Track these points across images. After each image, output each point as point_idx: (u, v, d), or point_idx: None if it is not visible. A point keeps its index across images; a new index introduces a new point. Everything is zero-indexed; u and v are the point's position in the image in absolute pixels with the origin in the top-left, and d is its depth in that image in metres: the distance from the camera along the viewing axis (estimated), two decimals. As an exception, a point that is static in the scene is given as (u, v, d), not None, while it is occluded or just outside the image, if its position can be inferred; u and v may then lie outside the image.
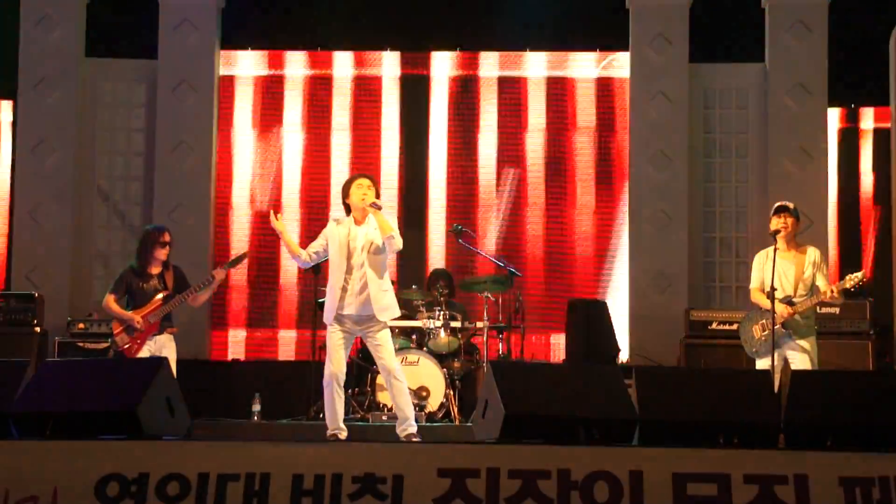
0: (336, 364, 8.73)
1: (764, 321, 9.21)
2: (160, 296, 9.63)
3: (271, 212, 8.87)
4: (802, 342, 9.14)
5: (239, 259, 9.97)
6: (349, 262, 8.67)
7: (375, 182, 8.87)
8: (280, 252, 13.51)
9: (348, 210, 8.83)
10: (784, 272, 9.19)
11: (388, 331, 8.86)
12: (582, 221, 13.66)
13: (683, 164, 13.33)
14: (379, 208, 8.64)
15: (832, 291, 9.01)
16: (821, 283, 9.16)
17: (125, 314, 9.60)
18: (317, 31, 13.83)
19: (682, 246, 13.25)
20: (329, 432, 8.77)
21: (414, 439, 8.68)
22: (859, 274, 9.02)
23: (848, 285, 9.03)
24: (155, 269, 9.74)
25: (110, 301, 9.69)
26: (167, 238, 9.77)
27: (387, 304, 8.75)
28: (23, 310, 12.10)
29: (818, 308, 9.36)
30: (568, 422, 7.46)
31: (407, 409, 8.79)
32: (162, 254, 9.73)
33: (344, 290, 8.66)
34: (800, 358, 9.09)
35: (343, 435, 8.74)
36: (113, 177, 13.81)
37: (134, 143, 13.83)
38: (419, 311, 11.45)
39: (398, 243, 8.63)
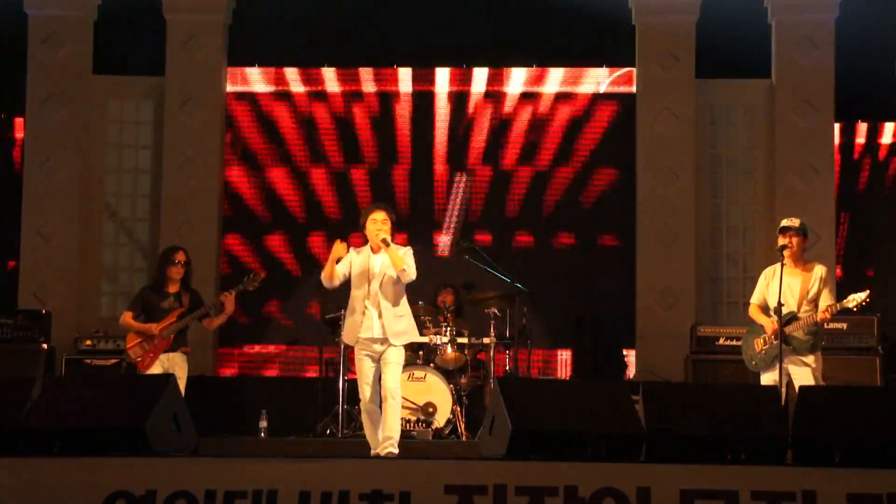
0: (368, 393, 8.90)
1: (766, 335, 9.22)
2: (175, 313, 9.73)
3: (338, 242, 8.95)
4: (804, 357, 9.11)
5: (251, 281, 10.00)
6: (367, 288, 8.92)
7: (390, 213, 9.05)
8: (288, 270, 13.57)
9: (366, 238, 9.03)
10: (789, 288, 9.20)
11: (401, 352, 9.01)
12: (588, 237, 13.65)
13: (690, 180, 13.33)
14: (388, 245, 8.87)
15: (828, 311, 9.01)
16: (825, 300, 9.14)
17: (142, 326, 9.75)
18: (324, 49, 13.85)
19: (688, 262, 13.24)
20: (372, 454, 8.86)
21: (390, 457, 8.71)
22: (862, 295, 8.99)
23: (850, 305, 9.01)
24: (172, 288, 9.86)
25: (127, 317, 9.90)
26: (179, 258, 9.94)
27: (401, 330, 8.94)
28: (30, 326, 12.12)
29: (825, 324, 9.32)
30: (575, 438, 7.46)
31: (395, 430, 8.85)
32: (175, 272, 9.89)
33: (363, 314, 8.89)
34: (801, 372, 9.07)
35: (384, 452, 8.76)
36: (120, 193, 13.84)
37: (141, 159, 13.85)
38: (426, 327, 11.45)
39: (410, 275, 8.87)
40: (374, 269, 8.91)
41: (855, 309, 9.08)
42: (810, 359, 9.12)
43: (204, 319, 9.89)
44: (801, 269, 9.28)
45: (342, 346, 11.16)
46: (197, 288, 10.19)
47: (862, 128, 13.73)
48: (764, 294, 9.36)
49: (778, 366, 9.00)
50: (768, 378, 9.14)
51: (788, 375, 9.10)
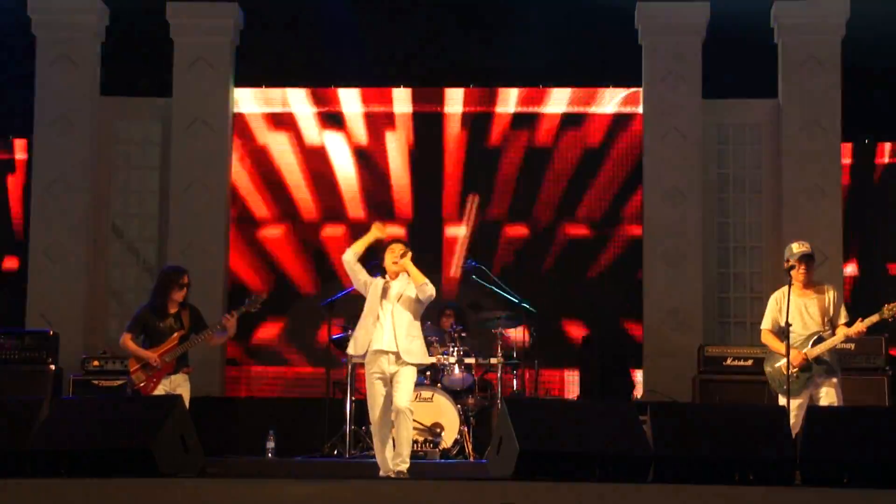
0: (379, 416, 8.96)
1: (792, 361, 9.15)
2: (176, 335, 9.67)
3: (377, 224, 9.28)
4: (833, 378, 9.07)
5: (253, 302, 9.98)
6: (382, 308, 9.07)
7: (408, 247, 9.26)
8: (295, 291, 13.59)
9: (383, 271, 9.24)
10: (806, 309, 9.18)
11: (413, 373, 9.05)
12: (596, 257, 13.64)
13: (697, 201, 13.31)
14: (408, 255, 9.12)
15: (864, 325, 8.98)
16: (843, 318, 9.13)
17: (142, 352, 9.65)
18: (330, 69, 13.89)
19: (696, 282, 13.21)
20: (381, 474, 8.89)
21: (402, 476, 8.68)
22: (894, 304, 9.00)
23: (886, 315, 8.98)
24: (172, 309, 9.80)
25: (127, 340, 9.76)
26: (186, 280, 9.87)
27: (413, 349, 9.03)
28: (37, 347, 12.11)
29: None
30: (582, 458, 7.46)
31: (406, 445, 8.88)
32: (179, 295, 9.81)
33: (375, 326, 9.03)
34: (831, 395, 9.01)
35: (395, 468, 8.80)
36: (128, 214, 13.86)
37: (149, 180, 13.87)
38: (433, 346, 11.44)
39: (430, 290, 9.07)
40: (390, 292, 9.09)
41: (891, 319, 9.06)
42: (836, 381, 9.10)
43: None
44: (812, 290, 9.27)
45: (350, 367, 11.17)
46: (203, 309, 10.08)
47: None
48: (776, 318, 9.27)
49: (807, 390, 9.04)
50: (798, 402, 9.06)
51: (811, 398, 9.06)
